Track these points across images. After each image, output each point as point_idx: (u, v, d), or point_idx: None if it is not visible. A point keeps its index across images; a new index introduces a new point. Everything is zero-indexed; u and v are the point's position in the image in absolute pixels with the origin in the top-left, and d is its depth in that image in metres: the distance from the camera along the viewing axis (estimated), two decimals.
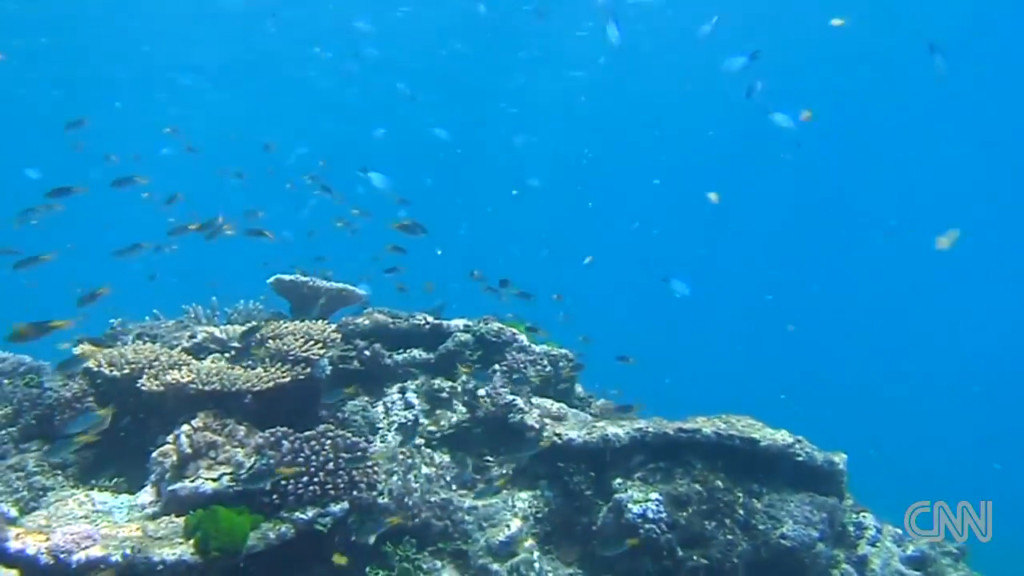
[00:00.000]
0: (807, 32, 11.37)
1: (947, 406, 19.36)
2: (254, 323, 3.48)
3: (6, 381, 3.45)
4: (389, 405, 3.62)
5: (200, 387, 3.02)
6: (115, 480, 3.12)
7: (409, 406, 3.61)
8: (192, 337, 3.60)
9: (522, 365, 3.70)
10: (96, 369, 3.10)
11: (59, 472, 3.13)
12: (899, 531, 3.52)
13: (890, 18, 11.40)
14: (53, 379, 3.83)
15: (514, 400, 3.50)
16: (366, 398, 3.67)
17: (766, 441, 3.27)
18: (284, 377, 3.20)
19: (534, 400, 3.58)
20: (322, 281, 3.84)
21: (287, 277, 3.83)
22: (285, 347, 3.29)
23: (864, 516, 3.52)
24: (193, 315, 5.88)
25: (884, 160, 17.07)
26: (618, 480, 3.27)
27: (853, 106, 14.37)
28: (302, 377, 3.28)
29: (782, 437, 3.32)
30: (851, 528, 3.47)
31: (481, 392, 3.52)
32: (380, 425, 3.55)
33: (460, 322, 3.86)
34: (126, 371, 3.10)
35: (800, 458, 3.29)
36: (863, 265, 22.13)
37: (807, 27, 11.04)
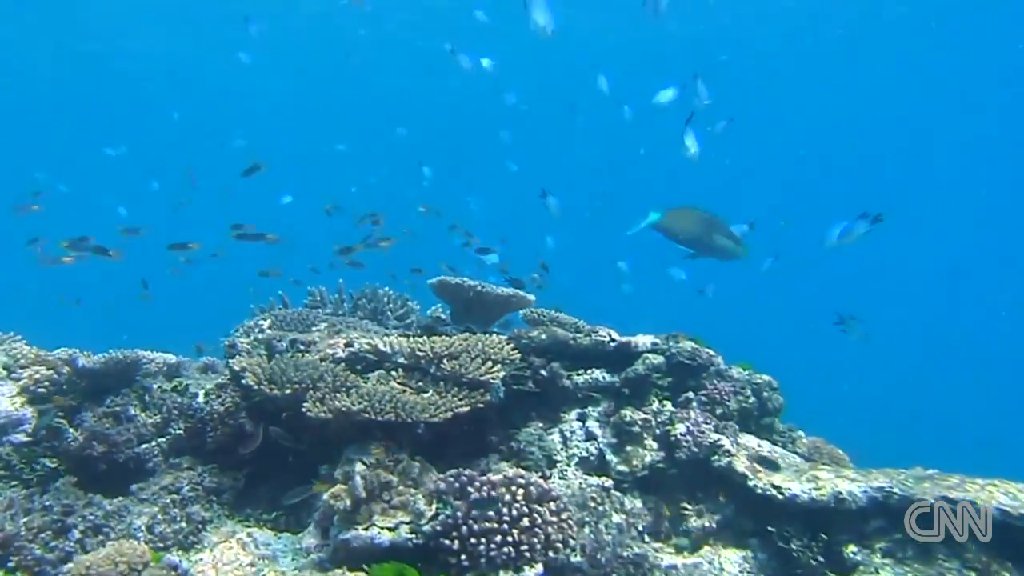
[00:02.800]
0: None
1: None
2: (420, 340, 3.05)
3: (156, 386, 3.15)
4: (568, 435, 3.14)
5: (372, 415, 2.61)
6: (275, 514, 2.77)
7: (591, 437, 3.12)
8: (349, 346, 3.21)
9: (724, 395, 3.14)
10: (256, 387, 2.73)
11: (214, 498, 2.80)
12: None
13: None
14: (199, 381, 3.54)
15: (719, 440, 2.95)
16: (540, 424, 3.20)
17: None
18: (462, 406, 2.75)
19: (740, 439, 3.03)
20: (491, 286, 3.37)
21: (452, 280, 3.37)
22: (462, 368, 2.84)
23: None
24: (319, 298, 5.59)
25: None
26: (852, 549, 2.70)
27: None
28: (480, 406, 2.83)
29: None
30: None
31: (680, 428, 2.98)
32: (558, 458, 3.08)
33: (648, 339, 3.32)
34: (288, 391, 2.72)
35: None
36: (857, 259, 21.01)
37: None
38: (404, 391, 2.80)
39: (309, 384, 2.71)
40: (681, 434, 2.97)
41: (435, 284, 3.43)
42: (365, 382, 2.93)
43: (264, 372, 2.74)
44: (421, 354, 2.90)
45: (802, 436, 3.32)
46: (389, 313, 5.50)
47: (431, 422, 2.68)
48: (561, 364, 3.24)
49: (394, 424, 2.65)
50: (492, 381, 2.87)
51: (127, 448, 2.89)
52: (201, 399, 3.14)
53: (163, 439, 3.01)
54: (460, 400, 2.78)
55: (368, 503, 2.49)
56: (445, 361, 2.86)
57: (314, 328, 3.48)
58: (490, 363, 2.91)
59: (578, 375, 3.25)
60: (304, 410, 2.64)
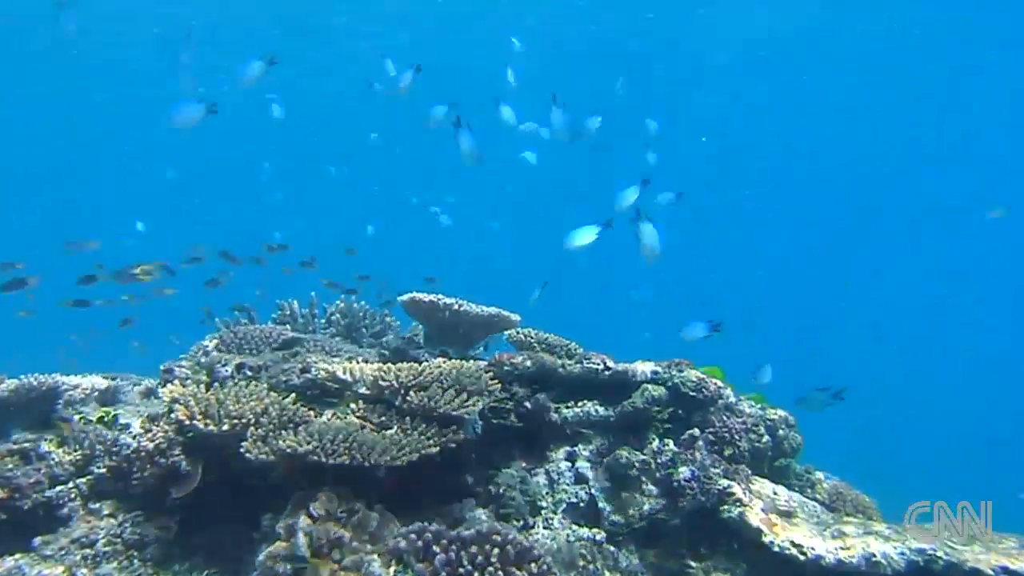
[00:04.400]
0: None
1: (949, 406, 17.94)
2: (381, 365, 2.64)
3: (77, 417, 2.71)
4: (555, 477, 2.73)
5: (322, 458, 2.19)
6: (208, 572, 2.34)
7: (581, 479, 2.71)
8: (305, 371, 2.79)
9: (735, 434, 2.74)
10: (188, 422, 2.30)
11: (135, 553, 2.36)
12: None
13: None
14: (139, 408, 3.12)
15: (729, 487, 2.55)
16: (524, 464, 2.79)
17: None
18: (430, 446, 2.34)
19: (753, 485, 2.63)
20: (471, 304, 2.96)
21: (425, 297, 2.96)
22: (432, 402, 2.43)
23: None
24: (288, 313, 5.15)
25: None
26: None
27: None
28: (453, 445, 2.42)
29: None
30: None
31: (684, 472, 2.58)
32: (543, 504, 2.66)
33: (647, 367, 2.92)
34: (225, 427, 2.29)
35: None
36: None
37: None
38: (363, 428, 2.39)
39: (250, 419, 2.28)
40: (685, 479, 2.56)
41: (406, 301, 3.02)
42: (319, 416, 2.51)
43: (199, 404, 2.32)
44: (385, 384, 2.48)
45: (822, 479, 2.93)
46: (364, 330, 5.08)
47: (393, 465, 2.26)
48: (549, 395, 2.83)
49: (350, 467, 2.23)
50: (467, 416, 2.46)
51: (35, 492, 2.45)
52: (136, 428, 2.71)
53: (83, 479, 2.57)
54: (428, 439, 2.36)
55: (315, 566, 2.07)
56: (412, 393, 2.45)
57: (267, 350, 3.06)
58: (465, 395, 2.50)
59: (567, 408, 2.85)
60: (243, 451, 2.21)
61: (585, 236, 4.18)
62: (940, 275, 20.94)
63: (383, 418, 2.48)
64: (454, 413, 2.43)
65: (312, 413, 2.47)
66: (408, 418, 2.46)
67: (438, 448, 2.35)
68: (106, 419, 2.72)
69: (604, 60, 13.18)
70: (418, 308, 3.01)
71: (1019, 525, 2.59)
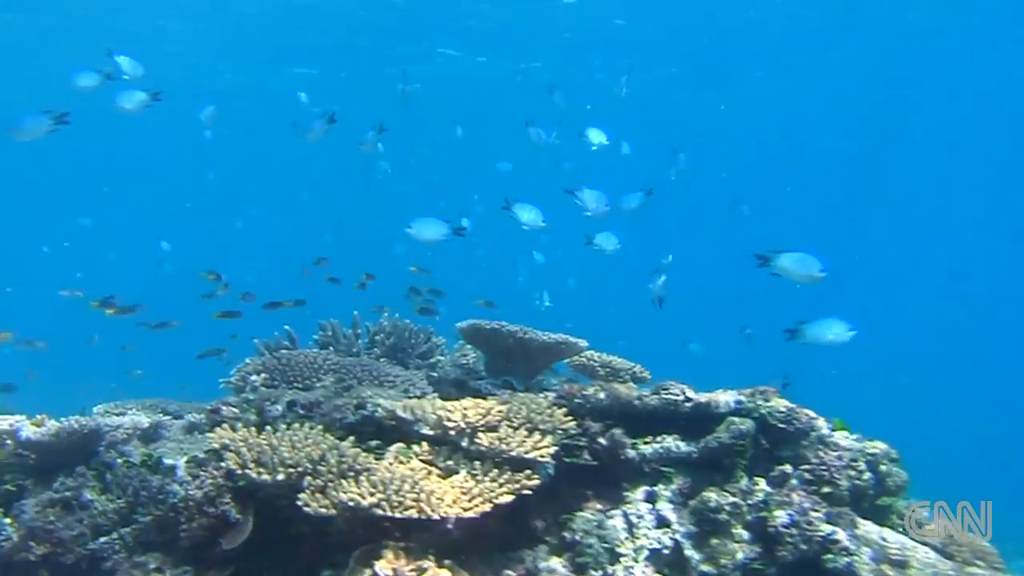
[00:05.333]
0: None
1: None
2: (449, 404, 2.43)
3: (120, 461, 2.54)
4: (634, 520, 2.48)
5: (388, 511, 1.98)
6: None
7: (663, 523, 2.46)
8: (360, 408, 2.59)
9: (834, 471, 2.48)
10: (240, 471, 2.11)
11: None
12: None
13: None
14: (182, 446, 2.95)
15: (833, 533, 2.29)
16: (598, 506, 2.55)
17: None
18: (504, 494, 2.12)
19: (859, 530, 2.36)
20: (536, 331, 2.74)
21: (487, 324, 2.75)
22: (503, 444, 2.21)
23: None
24: (331, 333, 4.96)
25: None
26: None
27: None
28: (527, 492, 2.19)
29: None
30: None
31: (781, 517, 2.32)
32: (623, 550, 2.42)
33: (730, 396, 2.67)
34: (280, 477, 2.09)
35: None
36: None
37: None
38: (428, 475, 2.17)
39: (307, 467, 2.08)
40: (783, 525, 2.30)
41: (465, 328, 2.81)
42: (378, 459, 2.30)
43: (251, 451, 2.12)
44: (451, 425, 2.27)
45: (926, 519, 2.65)
46: (411, 351, 4.88)
47: (464, 517, 2.05)
48: (624, 430, 2.60)
49: (416, 520, 2.02)
50: (541, 460, 2.24)
51: (78, 545, 2.28)
52: (182, 472, 2.53)
53: (127, 529, 2.40)
54: (501, 487, 2.14)
55: None
56: (481, 435, 2.23)
57: (319, 383, 2.87)
58: (538, 435, 2.28)
59: (645, 444, 2.60)
60: (301, 504, 2.01)
61: (433, 230, 3.98)
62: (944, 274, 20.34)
63: (449, 462, 2.27)
64: (527, 456, 2.21)
65: (372, 458, 2.26)
66: (477, 462, 2.24)
67: (512, 497, 2.13)
68: (150, 462, 2.54)
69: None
70: (479, 335, 2.80)
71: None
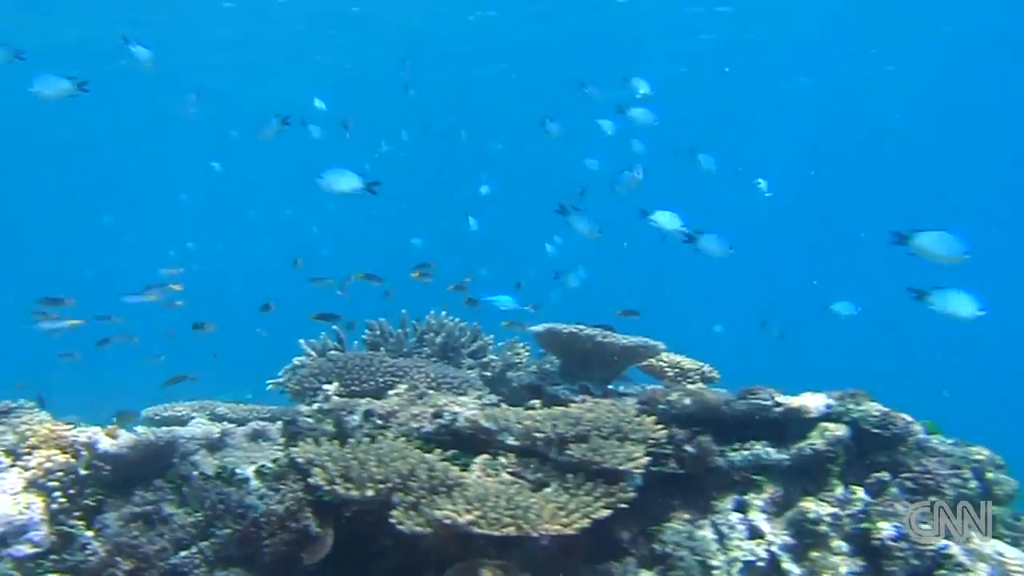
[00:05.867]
0: None
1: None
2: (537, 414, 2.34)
3: (196, 474, 2.49)
4: (725, 531, 2.39)
5: (487, 530, 1.90)
6: None
7: (756, 534, 2.36)
8: (437, 417, 2.51)
9: (939, 479, 2.36)
10: (328, 487, 2.04)
11: None
12: None
13: None
14: (248, 453, 2.90)
15: (946, 547, 2.17)
16: (686, 515, 2.46)
17: None
18: (601, 508, 2.03)
19: (972, 543, 2.24)
20: (615, 334, 2.64)
21: (564, 328, 2.66)
22: (596, 456, 2.12)
23: None
24: (379, 333, 4.90)
25: None
26: None
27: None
28: (623, 505, 2.10)
29: None
30: None
31: (887, 529, 2.21)
32: (715, 562, 2.33)
33: (819, 400, 2.56)
34: (369, 493, 2.02)
35: None
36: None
37: None
38: (520, 489, 2.09)
39: (398, 483, 2.01)
40: (890, 538, 2.19)
41: (541, 333, 2.72)
42: (463, 471, 2.23)
43: (337, 466, 2.06)
44: (540, 436, 2.18)
45: None
46: (461, 349, 4.81)
47: (563, 533, 1.96)
48: (711, 436, 2.50)
49: (514, 537, 1.94)
50: (635, 472, 2.15)
51: (161, 560, 2.23)
52: (254, 483, 2.48)
53: (206, 543, 2.34)
54: (597, 500, 2.06)
55: None
56: (573, 446, 2.14)
57: (391, 391, 2.80)
58: (630, 445, 2.19)
59: (733, 451, 2.50)
60: (394, 522, 1.94)
61: (345, 183, 3.85)
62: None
63: (539, 474, 2.19)
64: (621, 468, 2.12)
65: (457, 470, 2.18)
66: (567, 474, 2.16)
67: (609, 511, 2.04)
68: (224, 474, 2.48)
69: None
70: (555, 339, 2.70)
71: None
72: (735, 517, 2.42)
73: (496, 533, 1.90)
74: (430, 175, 17.84)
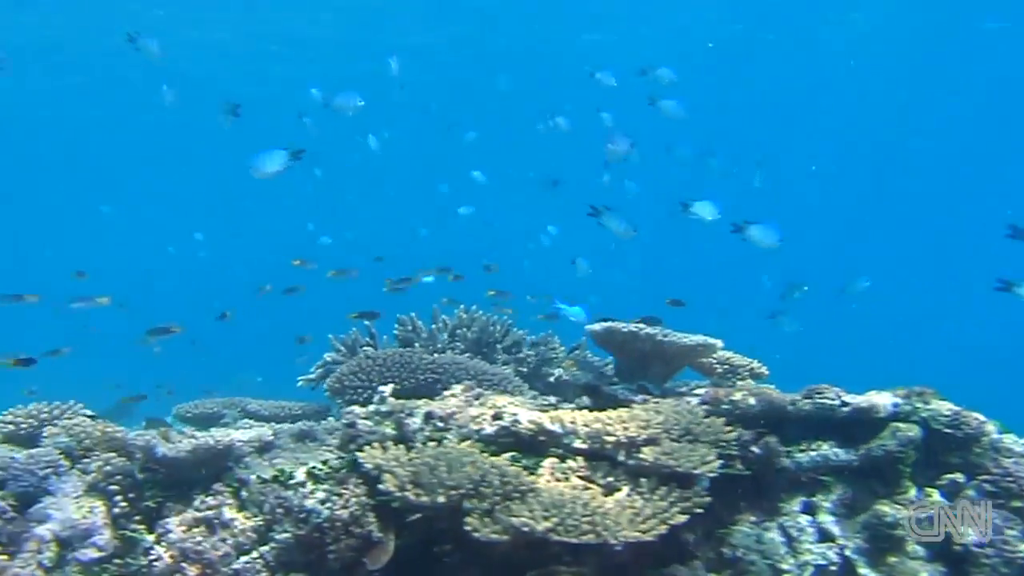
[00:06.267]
0: None
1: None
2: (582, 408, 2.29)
3: (254, 477, 2.45)
4: (794, 533, 2.34)
5: (563, 536, 1.86)
6: None
7: (827, 537, 2.31)
8: (497, 418, 2.46)
9: (1021, 482, 2.30)
10: (399, 493, 2.00)
11: None
12: None
13: None
14: (295, 453, 2.87)
15: None
16: (752, 517, 2.41)
17: None
18: (678, 515, 1.98)
19: None
20: (675, 333, 2.59)
21: (623, 326, 2.60)
22: (671, 460, 2.07)
23: None
24: (411, 328, 4.87)
25: None
26: None
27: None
28: (699, 511, 2.06)
29: None
30: None
31: (969, 535, 2.16)
32: (785, 567, 2.28)
33: (886, 398, 2.50)
34: (441, 499, 1.98)
35: None
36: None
37: None
38: (593, 494, 2.05)
39: (469, 489, 1.96)
40: (975, 544, 2.14)
41: (599, 331, 2.66)
42: (531, 475, 2.18)
43: (407, 472, 2.01)
44: (610, 440, 2.13)
45: None
46: (495, 344, 4.76)
47: (641, 540, 1.92)
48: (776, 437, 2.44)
49: (591, 545, 1.89)
50: (709, 476, 2.10)
51: (224, 566, 2.20)
52: (310, 486, 2.44)
53: (266, 548, 2.31)
54: (672, 505, 2.01)
55: None
56: (646, 449, 2.09)
57: (447, 391, 2.75)
58: (703, 448, 2.14)
59: (800, 451, 2.45)
60: (469, 529, 1.90)
61: (273, 163, 3.79)
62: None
63: (610, 478, 2.14)
64: (696, 472, 2.07)
65: (527, 474, 2.14)
66: (639, 478, 2.11)
67: (687, 517, 1.99)
68: (282, 478, 2.44)
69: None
70: (612, 338, 2.65)
71: None
72: (804, 519, 2.37)
73: (574, 540, 1.85)
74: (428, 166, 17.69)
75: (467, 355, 4.38)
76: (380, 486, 2.01)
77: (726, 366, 3.29)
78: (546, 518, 1.86)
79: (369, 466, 2.07)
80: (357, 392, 3.90)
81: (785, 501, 2.43)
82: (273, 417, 4.67)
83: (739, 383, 2.63)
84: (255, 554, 2.30)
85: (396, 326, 4.86)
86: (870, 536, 2.26)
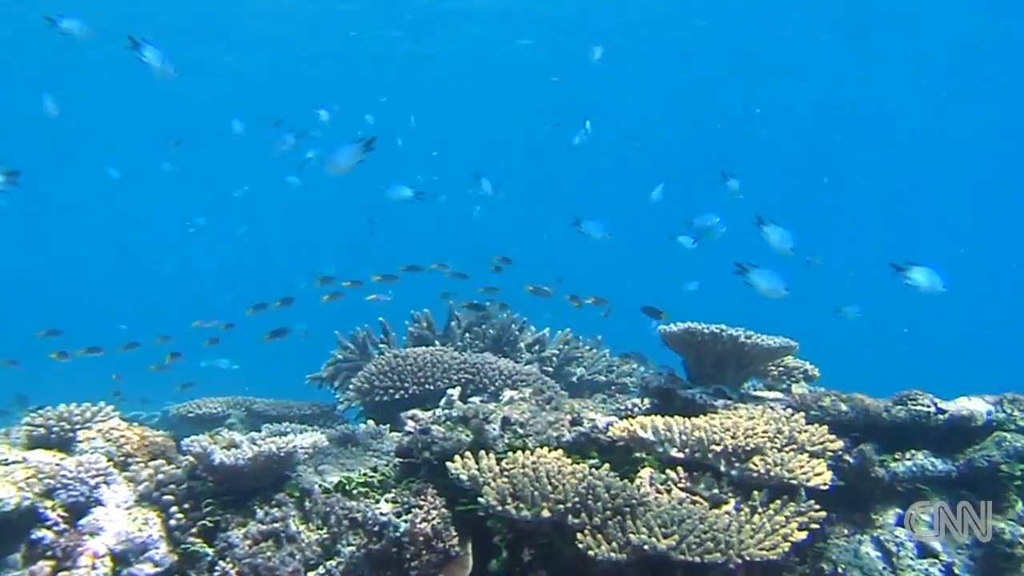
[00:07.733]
0: None
1: None
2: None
3: (318, 486, 2.27)
4: (893, 548, 2.22)
5: (685, 555, 1.71)
6: None
7: (929, 552, 2.20)
8: (576, 424, 2.31)
9: None
10: (500, 508, 1.84)
11: None
12: None
13: None
14: (339, 459, 2.70)
15: None
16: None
17: None
18: (799, 532, 1.85)
19: None
20: (759, 335, 2.45)
21: (704, 328, 2.46)
22: (785, 472, 1.94)
23: None
24: (425, 325, 4.74)
25: None
26: None
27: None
28: (815, 526, 1.92)
29: None
30: None
31: None
32: None
33: (982, 405, 2.39)
34: (544, 513, 1.82)
35: None
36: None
37: None
38: (706, 508, 1.90)
39: (575, 503, 1.81)
40: None
41: (677, 333, 2.51)
42: (631, 484, 2.03)
43: (508, 483, 1.85)
44: (715, 448, 1.99)
45: None
46: (514, 342, 4.62)
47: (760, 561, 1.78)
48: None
49: (712, 564, 1.75)
50: (823, 487, 1.97)
51: None
52: (375, 497, 2.27)
53: (333, 562, 2.14)
54: (789, 520, 1.87)
55: None
56: (756, 460, 1.95)
57: (509, 393, 2.59)
58: (814, 458, 2.01)
59: (895, 461, 2.33)
60: (583, 548, 1.74)
61: (348, 156, 3.82)
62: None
63: (715, 490, 2.00)
64: (809, 484, 1.94)
65: (633, 487, 1.99)
66: (749, 490, 1.97)
67: (806, 533, 1.86)
68: (346, 487, 2.27)
69: None
70: (692, 339, 2.51)
71: None
72: (903, 533, 2.25)
73: (698, 560, 1.71)
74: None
75: (486, 353, 4.23)
76: (480, 499, 1.85)
77: (780, 368, 3.18)
78: (666, 536, 1.72)
79: (464, 477, 1.90)
80: (387, 393, 3.72)
81: (879, 513, 2.31)
82: (282, 417, 4.46)
83: (794, 387, 2.52)
84: (322, 569, 2.12)
85: (409, 322, 4.69)
86: (984, 553, 2.15)
